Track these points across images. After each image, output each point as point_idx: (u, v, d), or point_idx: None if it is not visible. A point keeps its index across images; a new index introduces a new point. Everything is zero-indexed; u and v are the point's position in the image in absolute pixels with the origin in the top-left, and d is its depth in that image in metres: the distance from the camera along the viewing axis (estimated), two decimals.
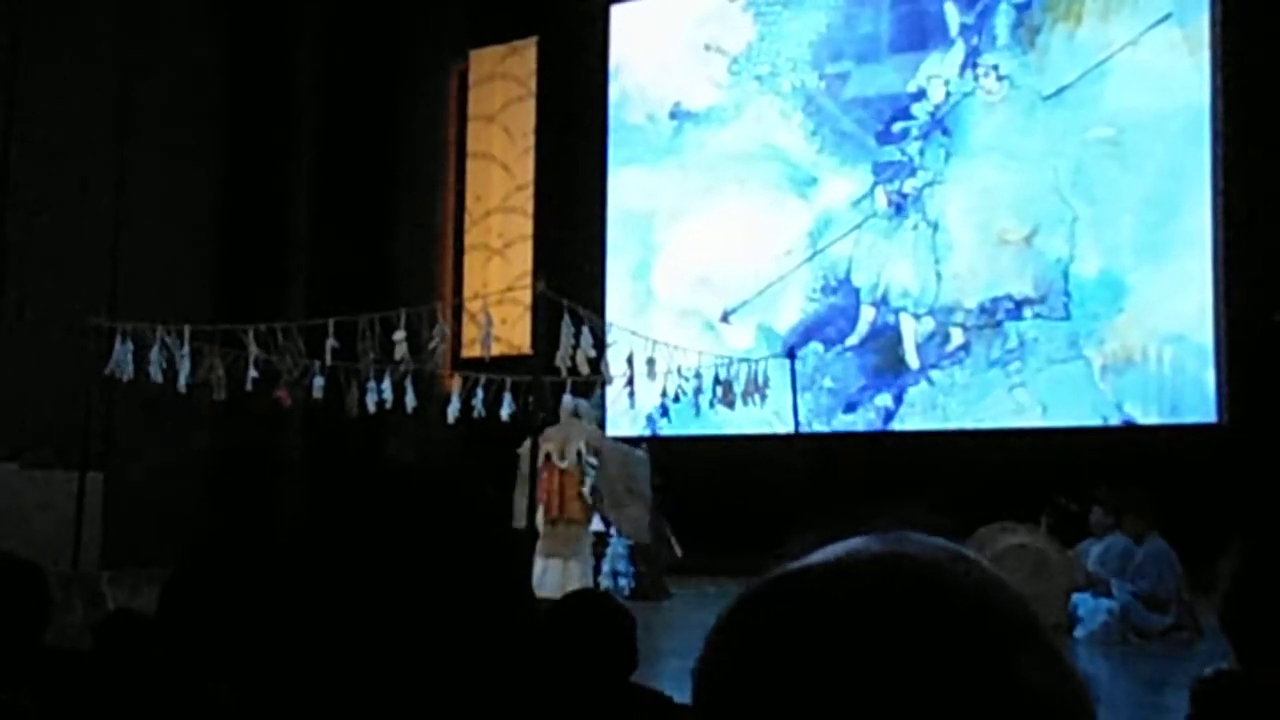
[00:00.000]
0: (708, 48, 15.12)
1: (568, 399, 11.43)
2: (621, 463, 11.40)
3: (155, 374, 10.92)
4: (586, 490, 11.17)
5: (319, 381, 11.37)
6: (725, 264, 14.70)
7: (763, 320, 14.42)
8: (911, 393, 13.65)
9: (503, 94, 16.26)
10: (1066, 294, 12.94)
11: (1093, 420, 12.51)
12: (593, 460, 11.31)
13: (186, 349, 11.00)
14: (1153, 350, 12.46)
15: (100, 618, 4.01)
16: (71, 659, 2.97)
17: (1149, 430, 12.10)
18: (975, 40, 13.62)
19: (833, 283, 14.14)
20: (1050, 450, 11.93)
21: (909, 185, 13.74)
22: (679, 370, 11.55)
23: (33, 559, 2.90)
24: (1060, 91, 13.10)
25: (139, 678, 2.35)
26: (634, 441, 12.54)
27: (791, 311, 14.32)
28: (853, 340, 14.04)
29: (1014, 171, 13.26)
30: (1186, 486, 10.45)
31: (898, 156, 13.81)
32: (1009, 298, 13.22)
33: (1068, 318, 12.94)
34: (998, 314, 13.25)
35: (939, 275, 13.54)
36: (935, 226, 13.64)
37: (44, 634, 2.81)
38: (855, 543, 0.68)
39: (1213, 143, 12.20)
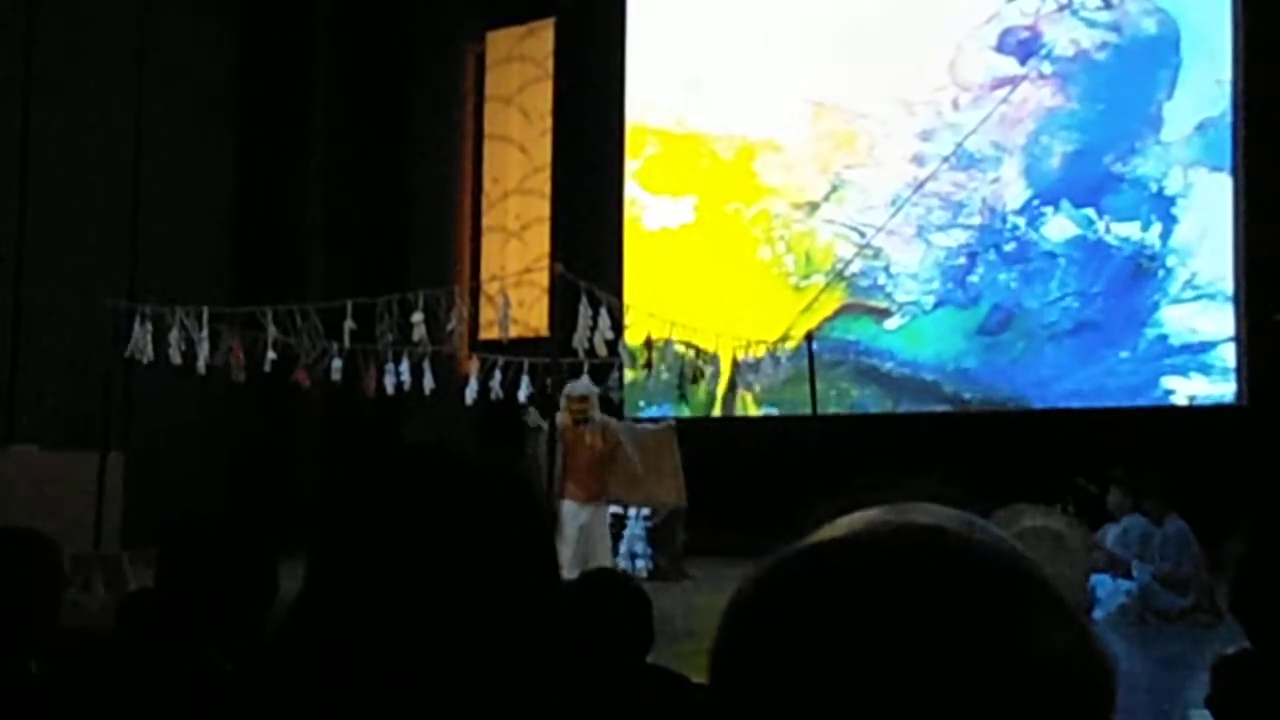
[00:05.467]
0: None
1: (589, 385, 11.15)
2: None
3: (174, 356, 10.97)
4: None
5: (337, 363, 11.40)
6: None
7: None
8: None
9: (520, 75, 16.23)
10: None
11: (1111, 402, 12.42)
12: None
13: (205, 331, 11.04)
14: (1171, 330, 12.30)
15: (121, 597, 4.03)
16: (93, 638, 2.99)
17: (1168, 411, 12.02)
18: None
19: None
20: (1069, 431, 11.89)
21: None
22: (696, 352, 11.54)
23: (50, 537, 2.90)
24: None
25: (160, 656, 2.37)
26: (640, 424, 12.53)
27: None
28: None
29: None
30: (1206, 468, 10.41)
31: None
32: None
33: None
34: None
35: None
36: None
37: (59, 608, 2.82)
38: (869, 514, 0.68)
39: (1233, 118, 12.06)
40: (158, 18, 14.69)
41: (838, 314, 13.13)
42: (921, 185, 13.05)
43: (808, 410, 11.53)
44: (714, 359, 11.65)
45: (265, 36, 15.84)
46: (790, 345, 12.07)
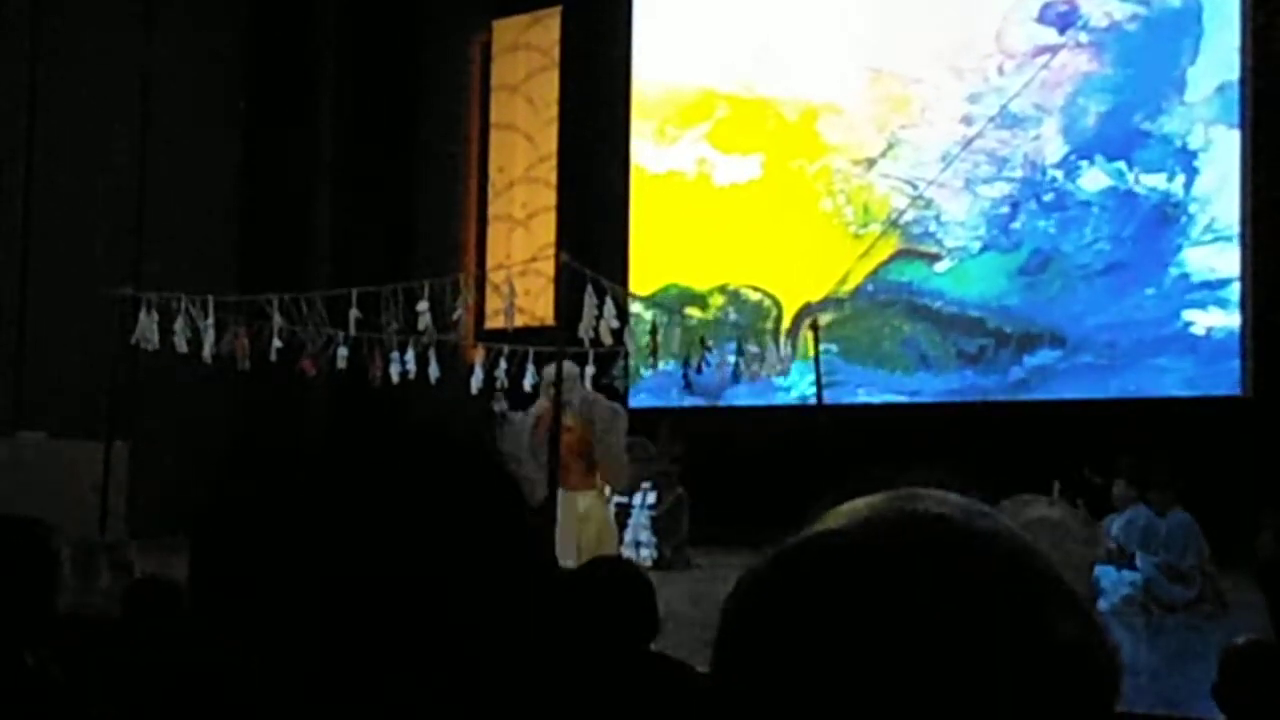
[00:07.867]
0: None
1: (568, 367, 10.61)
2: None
3: (180, 344, 10.98)
4: None
5: (342, 352, 11.40)
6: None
7: None
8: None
9: (526, 64, 16.22)
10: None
11: (1115, 392, 12.57)
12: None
13: (210, 319, 11.05)
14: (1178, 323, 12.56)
15: (127, 585, 4.04)
16: (99, 625, 2.99)
17: (1173, 403, 12.13)
18: None
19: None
20: (1073, 422, 11.92)
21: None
22: (701, 341, 11.54)
23: (45, 523, 2.86)
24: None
25: (166, 644, 2.37)
26: (655, 413, 12.54)
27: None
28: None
29: None
30: (1210, 459, 10.40)
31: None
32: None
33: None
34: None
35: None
36: None
37: (55, 597, 2.75)
38: (873, 501, 0.67)
39: (1240, 97, 12.44)
40: (164, 6, 14.69)
41: (892, 259, 14.41)
42: (969, 143, 14.28)
43: (871, 349, 11.65)
44: (719, 349, 11.64)
45: (271, 25, 15.83)
46: (848, 289, 13.41)
